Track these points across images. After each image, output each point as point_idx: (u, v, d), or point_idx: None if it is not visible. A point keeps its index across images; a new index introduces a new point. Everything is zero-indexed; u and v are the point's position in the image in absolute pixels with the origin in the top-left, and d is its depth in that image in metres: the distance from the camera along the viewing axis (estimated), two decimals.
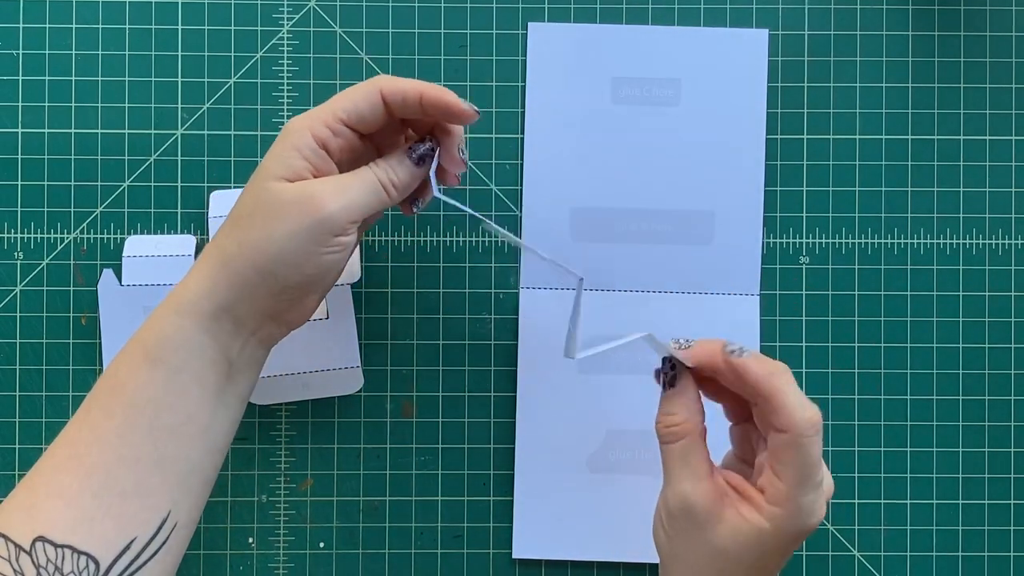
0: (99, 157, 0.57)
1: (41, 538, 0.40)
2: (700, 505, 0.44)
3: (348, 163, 0.46)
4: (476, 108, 0.46)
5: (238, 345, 0.44)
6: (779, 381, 0.43)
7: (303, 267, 0.43)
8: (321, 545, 0.56)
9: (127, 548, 0.41)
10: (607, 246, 0.57)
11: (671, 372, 0.46)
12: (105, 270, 0.56)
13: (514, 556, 0.56)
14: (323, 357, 0.55)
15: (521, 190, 0.57)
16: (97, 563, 0.41)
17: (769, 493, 0.43)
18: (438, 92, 0.45)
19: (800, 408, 0.42)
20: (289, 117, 0.57)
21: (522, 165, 0.57)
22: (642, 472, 0.56)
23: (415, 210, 0.49)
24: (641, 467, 0.56)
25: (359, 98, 0.45)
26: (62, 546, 0.40)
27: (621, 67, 0.57)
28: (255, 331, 0.44)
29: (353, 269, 0.55)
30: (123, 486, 0.41)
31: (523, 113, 0.57)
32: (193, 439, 0.43)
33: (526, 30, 0.57)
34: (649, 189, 0.57)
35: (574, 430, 0.56)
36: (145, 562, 0.42)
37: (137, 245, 0.56)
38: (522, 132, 0.57)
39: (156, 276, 0.55)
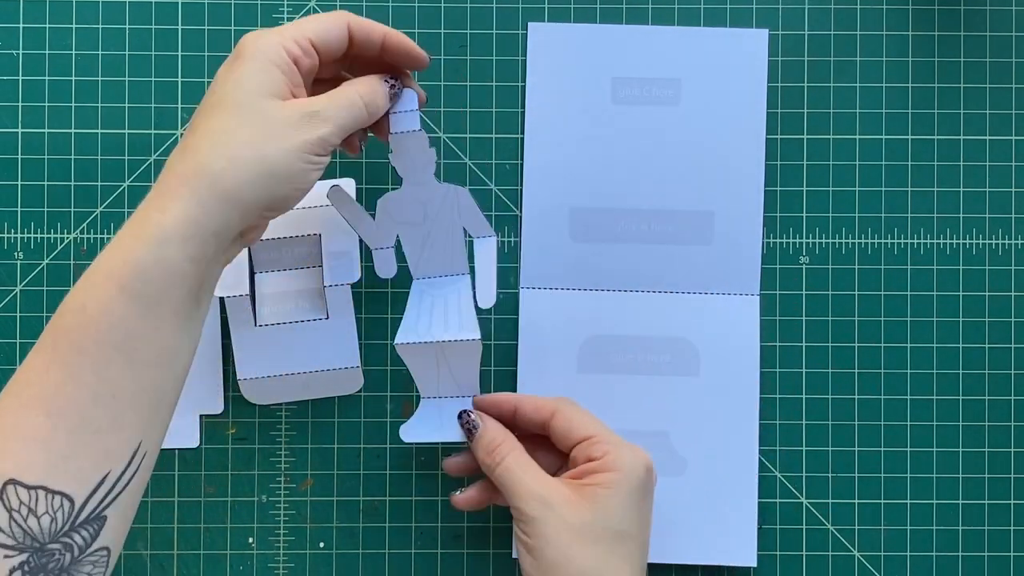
0: (99, 157, 0.57)
1: (12, 481, 0.39)
2: (554, 494, 0.47)
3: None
4: (428, 55, 0.51)
5: (216, 269, 0.44)
6: (516, 396, 0.52)
7: (294, 181, 0.44)
8: (321, 545, 0.56)
9: (101, 483, 0.41)
10: (607, 246, 0.57)
11: (471, 416, 0.52)
12: None
13: (514, 555, 0.56)
14: (323, 357, 0.55)
15: (521, 190, 0.57)
16: (72, 500, 0.40)
17: (596, 448, 0.48)
18: (400, 35, 0.49)
19: (542, 396, 0.52)
20: None
21: (522, 165, 0.57)
22: None
23: (361, 147, 0.53)
24: None
25: (328, 24, 0.46)
26: (35, 487, 0.39)
27: (621, 67, 0.57)
28: (228, 251, 0.44)
29: (352, 269, 0.55)
30: (99, 423, 0.40)
31: (523, 113, 0.57)
32: (165, 368, 0.42)
33: (526, 30, 0.57)
34: (649, 189, 0.57)
35: None
36: (118, 494, 0.41)
37: None
38: (522, 132, 0.57)
39: None
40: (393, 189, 0.53)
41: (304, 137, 0.43)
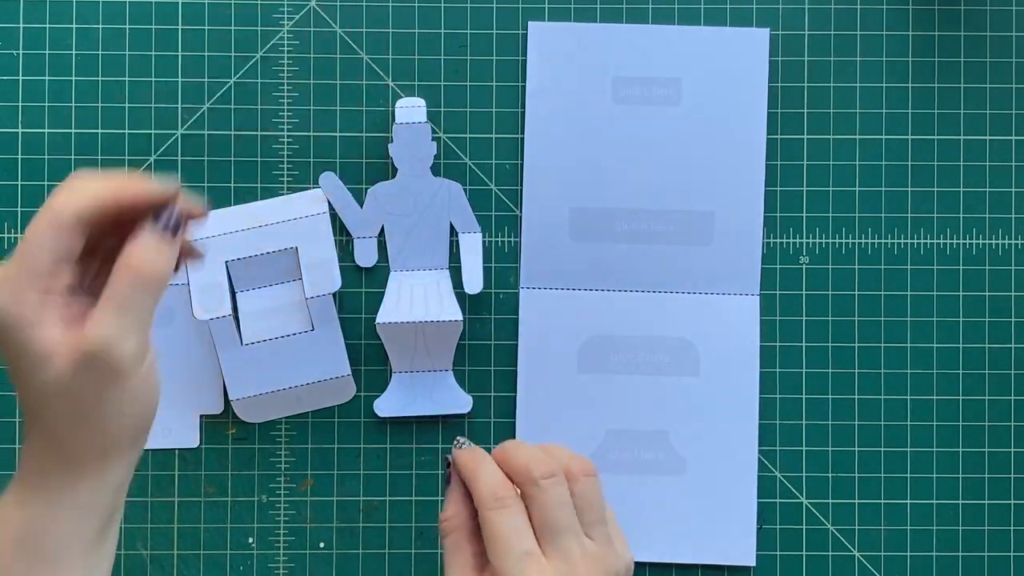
0: (99, 157, 0.57)
1: None
2: None
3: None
4: (176, 185, 0.40)
5: (122, 496, 0.40)
6: (475, 465, 0.44)
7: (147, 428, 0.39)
8: (321, 545, 0.56)
9: None
10: (607, 246, 0.57)
11: (446, 471, 0.46)
12: None
13: None
14: (312, 369, 0.55)
15: (521, 190, 0.57)
16: None
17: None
18: (135, 189, 0.38)
19: (484, 483, 0.43)
20: (289, 117, 0.57)
21: (522, 165, 0.57)
22: (640, 472, 0.56)
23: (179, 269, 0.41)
24: (639, 467, 0.56)
25: (48, 245, 0.36)
26: None
27: (622, 66, 0.57)
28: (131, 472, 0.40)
29: (332, 278, 0.55)
30: None
31: (523, 113, 0.57)
32: None
33: (526, 30, 0.57)
34: (649, 189, 0.57)
35: (573, 429, 0.56)
36: None
37: None
38: (522, 132, 0.57)
39: None
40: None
41: (104, 393, 0.36)
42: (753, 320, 0.57)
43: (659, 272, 0.57)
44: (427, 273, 0.56)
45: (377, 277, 0.57)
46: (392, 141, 0.56)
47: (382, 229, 0.56)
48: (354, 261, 0.56)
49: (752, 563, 0.56)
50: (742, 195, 0.57)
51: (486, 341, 0.57)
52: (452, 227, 0.56)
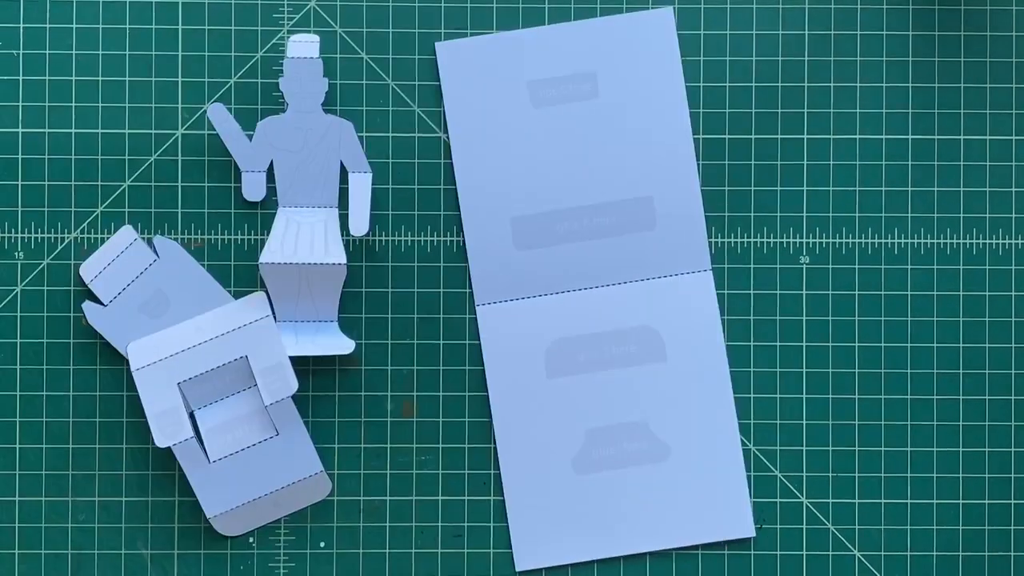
0: (99, 157, 0.57)
1: None
2: None
3: None
4: None
5: None
6: None
7: None
8: (321, 545, 0.56)
9: None
10: (553, 249, 0.56)
11: None
12: (84, 303, 0.55)
13: (517, 569, 0.56)
14: (284, 473, 0.55)
15: (459, 213, 0.57)
16: None
17: None
18: None
19: None
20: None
21: (455, 188, 0.57)
22: (628, 464, 0.56)
23: None
24: (626, 459, 0.56)
25: None
26: None
27: (534, 70, 0.57)
28: None
29: (288, 380, 0.53)
30: None
31: (445, 139, 0.57)
32: None
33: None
34: (585, 185, 0.57)
35: (553, 435, 0.56)
36: None
37: (90, 269, 0.55)
38: (447, 157, 0.57)
39: (125, 277, 0.55)
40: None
41: None
42: (709, 295, 0.56)
43: (609, 265, 0.57)
44: (315, 211, 0.56)
45: (383, 275, 0.57)
46: (283, 75, 0.55)
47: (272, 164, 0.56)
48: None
49: (751, 534, 0.56)
50: (677, 174, 0.57)
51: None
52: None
